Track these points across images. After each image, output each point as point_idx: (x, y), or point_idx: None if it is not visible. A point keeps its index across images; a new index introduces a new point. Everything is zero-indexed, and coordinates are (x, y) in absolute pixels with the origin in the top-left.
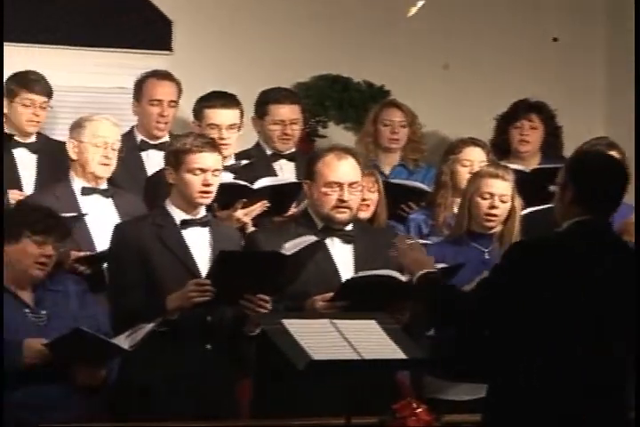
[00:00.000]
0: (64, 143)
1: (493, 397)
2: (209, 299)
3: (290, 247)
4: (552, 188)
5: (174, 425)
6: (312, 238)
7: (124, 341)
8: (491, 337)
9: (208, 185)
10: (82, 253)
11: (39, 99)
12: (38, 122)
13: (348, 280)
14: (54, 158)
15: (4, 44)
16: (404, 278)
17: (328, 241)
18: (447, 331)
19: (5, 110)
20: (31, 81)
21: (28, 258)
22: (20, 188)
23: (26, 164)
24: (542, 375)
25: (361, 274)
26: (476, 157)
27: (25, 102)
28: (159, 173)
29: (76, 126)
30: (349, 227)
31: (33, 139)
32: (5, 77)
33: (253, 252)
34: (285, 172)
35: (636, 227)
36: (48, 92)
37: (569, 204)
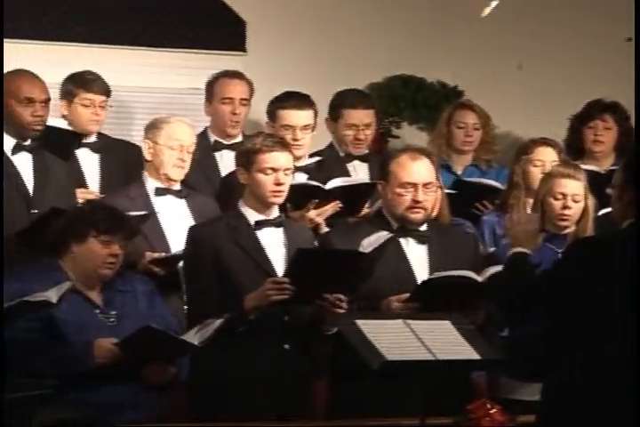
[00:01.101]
0: (127, 142)
1: (548, 394)
2: (287, 297)
3: (367, 245)
4: (608, 190)
5: (251, 425)
6: (387, 234)
7: (193, 337)
8: (549, 332)
9: (280, 184)
10: (157, 255)
11: (98, 98)
12: (98, 121)
13: (424, 281)
14: (118, 158)
15: (81, 45)
16: (479, 279)
17: (403, 241)
18: (521, 330)
19: (65, 112)
20: (89, 81)
21: (96, 258)
22: (85, 187)
23: (88, 163)
24: (590, 371)
25: (437, 275)
26: (547, 157)
27: (84, 102)
28: (233, 174)
29: (152, 127)
30: (424, 227)
31: (94, 138)
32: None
33: (331, 249)
34: (359, 172)
35: (636, 226)
36: (106, 90)
37: (628, 204)
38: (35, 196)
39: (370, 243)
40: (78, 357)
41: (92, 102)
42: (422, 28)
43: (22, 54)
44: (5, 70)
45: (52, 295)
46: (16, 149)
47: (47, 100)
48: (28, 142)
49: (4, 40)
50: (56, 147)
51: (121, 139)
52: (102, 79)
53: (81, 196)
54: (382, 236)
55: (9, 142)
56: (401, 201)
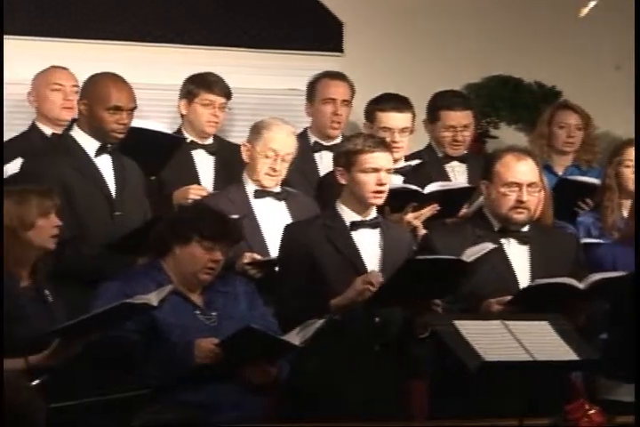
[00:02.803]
0: (239, 146)
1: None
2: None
3: (470, 254)
4: None
5: (343, 426)
6: (490, 246)
7: (294, 337)
8: None
9: (382, 184)
10: (256, 256)
11: (218, 99)
12: (217, 123)
13: (528, 287)
14: (231, 160)
15: (185, 47)
16: (581, 286)
17: (504, 241)
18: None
19: (184, 111)
20: (210, 82)
21: (197, 262)
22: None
23: (204, 165)
24: None
25: (538, 282)
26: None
27: (204, 102)
28: (330, 175)
29: (254, 131)
30: (526, 228)
31: (210, 140)
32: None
33: (438, 259)
34: (457, 173)
35: (636, 226)
36: (227, 93)
37: None
38: (117, 198)
39: (473, 252)
40: (179, 357)
41: (212, 103)
42: (520, 29)
43: (124, 54)
44: (97, 71)
45: (153, 298)
46: (99, 152)
47: (133, 109)
48: (111, 145)
49: (107, 41)
50: (154, 151)
51: (235, 142)
52: (224, 81)
53: (194, 193)
54: (486, 246)
55: (92, 144)
56: (505, 201)
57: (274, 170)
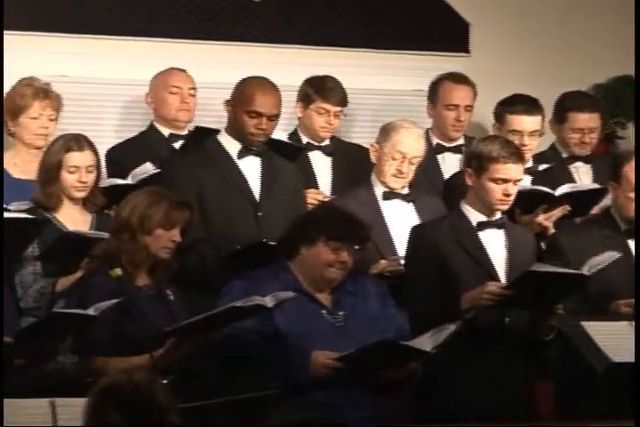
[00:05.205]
0: (358, 146)
1: None
2: (499, 304)
3: (594, 264)
4: None
5: (474, 426)
6: (616, 255)
7: (426, 341)
8: None
9: (508, 195)
10: (388, 264)
11: (333, 109)
12: (332, 129)
13: None
14: (349, 161)
15: (304, 47)
16: None
17: (630, 243)
18: None
19: (299, 114)
20: (328, 90)
21: (323, 263)
22: (316, 188)
23: (321, 166)
24: None
25: None
26: None
27: (320, 111)
28: (456, 176)
29: (383, 133)
30: None
31: (327, 142)
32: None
33: (558, 272)
34: (581, 174)
35: (636, 226)
36: (343, 101)
37: None
38: (262, 199)
39: (597, 262)
40: (295, 365)
41: (327, 112)
42: None
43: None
44: (215, 72)
45: (269, 300)
46: (242, 153)
47: (276, 116)
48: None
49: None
50: (283, 150)
51: (354, 143)
52: (341, 88)
53: (311, 197)
54: (610, 256)
55: (235, 146)
56: (633, 204)
57: (400, 172)
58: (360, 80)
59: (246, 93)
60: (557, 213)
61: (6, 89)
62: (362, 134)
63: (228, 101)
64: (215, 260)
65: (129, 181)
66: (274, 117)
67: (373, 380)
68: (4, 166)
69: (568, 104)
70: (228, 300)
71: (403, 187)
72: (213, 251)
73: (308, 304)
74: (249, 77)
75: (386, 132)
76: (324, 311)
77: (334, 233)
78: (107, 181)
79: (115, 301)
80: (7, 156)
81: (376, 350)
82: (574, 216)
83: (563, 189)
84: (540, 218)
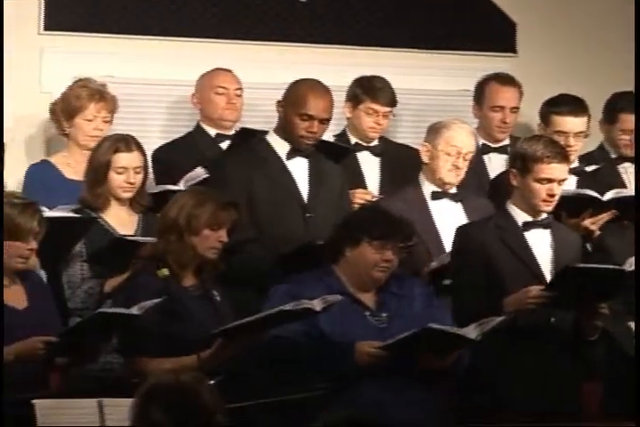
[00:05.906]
0: (407, 146)
1: None
2: (543, 305)
3: (633, 262)
4: None
5: (519, 425)
6: None
7: (472, 331)
8: None
9: (552, 196)
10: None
11: (382, 109)
12: (380, 130)
13: None
14: (398, 161)
15: (351, 47)
16: None
17: None
18: None
19: (348, 114)
20: (377, 90)
21: (368, 262)
22: (364, 188)
23: (369, 166)
24: None
25: None
26: None
27: (368, 111)
28: (502, 176)
29: (433, 131)
30: None
31: (375, 142)
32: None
33: (597, 268)
34: (630, 175)
35: (636, 226)
36: (392, 101)
37: None
38: (310, 200)
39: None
40: (339, 358)
41: (376, 112)
42: None
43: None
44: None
45: (317, 304)
46: (291, 154)
47: (327, 120)
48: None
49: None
50: (330, 151)
51: (401, 143)
52: (390, 88)
53: (359, 196)
54: None
55: (284, 147)
56: None
57: (457, 167)
58: (405, 80)
59: (299, 96)
60: (605, 217)
61: (60, 90)
62: (406, 135)
63: (279, 102)
64: (266, 260)
65: (180, 186)
66: (325, 121)
67: (417, 371)
68: (58, 167)
69: (619, 105)
70: (272, 303)
71: (458, 182)
72: (263, 251)
73: (351, 305)
74: (302, 79)
75: (436, 130)
76: (366, 313)
77: (377, 232)
78: (158, 187)
79: (157, 300)
80: (60, 156)
81: (421, 338)
82: (621, 220)
83: (611, 194)
84: (587, 222)
